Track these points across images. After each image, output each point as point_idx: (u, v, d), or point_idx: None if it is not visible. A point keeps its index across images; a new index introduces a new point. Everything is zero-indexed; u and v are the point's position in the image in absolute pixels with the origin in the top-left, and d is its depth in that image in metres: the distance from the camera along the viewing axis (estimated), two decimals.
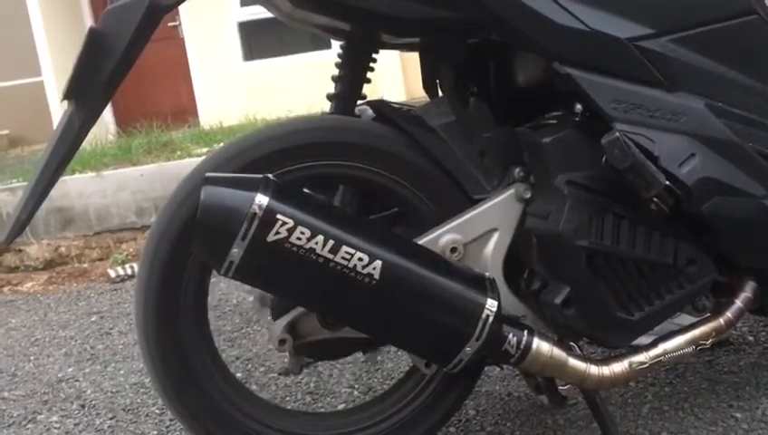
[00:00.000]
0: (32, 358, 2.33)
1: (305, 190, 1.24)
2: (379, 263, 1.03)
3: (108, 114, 8.32)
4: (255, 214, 0.99)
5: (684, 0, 1.15)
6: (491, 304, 1.07)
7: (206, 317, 1.24)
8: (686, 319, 1.28)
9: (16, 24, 7.83)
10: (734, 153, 1.13)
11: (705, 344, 1.20)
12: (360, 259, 1.02)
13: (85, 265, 3.65)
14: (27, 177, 3.96)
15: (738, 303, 1.21)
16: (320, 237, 1.01)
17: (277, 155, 1.17)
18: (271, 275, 1.04)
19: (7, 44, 8.21)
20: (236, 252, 0.99)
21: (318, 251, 1.00)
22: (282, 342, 1.16)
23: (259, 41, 7.81)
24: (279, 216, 0.99)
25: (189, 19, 7.72)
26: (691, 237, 1.17)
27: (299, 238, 1.00)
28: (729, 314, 1.21)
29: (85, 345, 2.38)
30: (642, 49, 1.11)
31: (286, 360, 1.26)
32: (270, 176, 1.05)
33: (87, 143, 5.16)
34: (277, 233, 0.99)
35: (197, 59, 7.88)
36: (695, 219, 1.14)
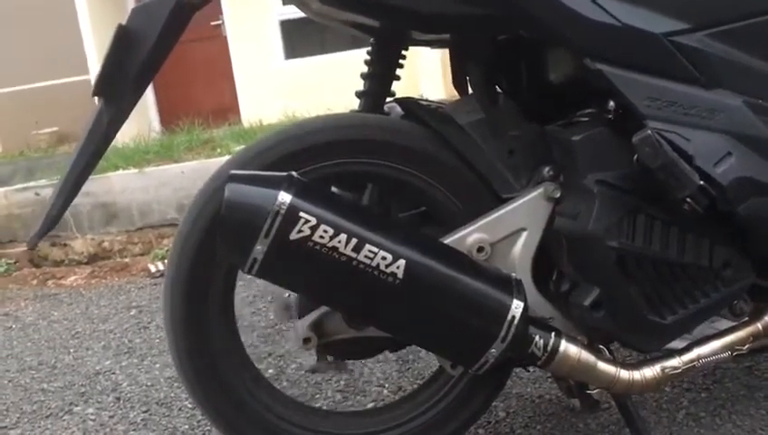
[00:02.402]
0: (71, 350, 2.38)
1: (331, 188, 1.23)
2: (402, 262, 1.01)
3: (152, 112, 8.46)
4: (278, 211, 0.98)
5: None
6: (517, 305, 1.05)
7: (234, 315, 1.25)
8: (723, 323, 1.24)
9: (65, 24, 8.01)
10: None
11: (741, 350, 1.16)
12: (384, 258, 1.01)
13: (127, 260, 3.72)
14: None
15: None
16: (342, 236, 1.00)
17: (303, 153, 1.16)
18: (294, 274, 1.03)
19: (56, 44, 8.41)
20: (260, 249, 0.99)
21: (341, 250, 1.00)
22: (306, 340, 1.15)
23: (301, 39, 7.84)
24: (302, 213, 0.99)
25: (232, 18, 7.79)
26: (727, 239, 1.13)
27: (322, 236, 0.99)
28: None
29: (123, 339, 2.43)
30: (677, 44, 1.08)
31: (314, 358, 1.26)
32: (294, 174, 1.04)
33: (131, 140, 5.28)
34: (300, 231, 0.99)
35: (240, 57, 7.95)
36: (731, 220, 1.10)
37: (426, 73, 6.21)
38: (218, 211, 1.03)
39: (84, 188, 3.66)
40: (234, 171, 1.04)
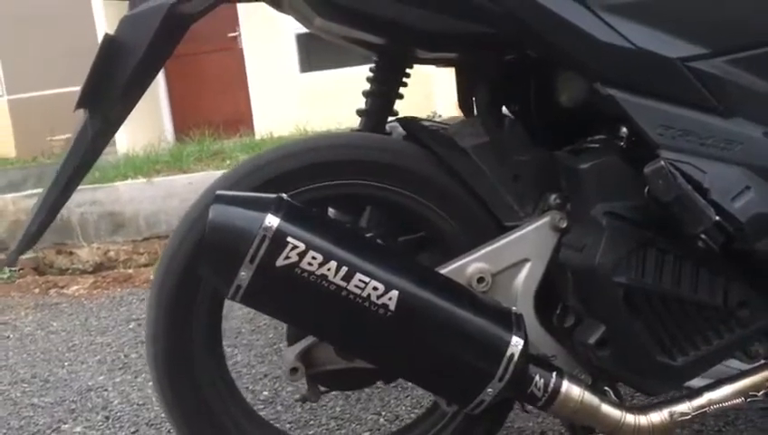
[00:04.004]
0: (66, 364, 2.33)
1: (321, 211, 1.17)
2: (395, 293, 0.95)
3: (166, 122, 8.47)
4: (265, 236, 0.93)
5: (743, 17, 1.05)
6: (516, 342, 0.98)
7: (221, 341, 1.19)
8: (737, 365, 1.17)
9: (81, 31, 8.04)
10: None
11: (756, 396, 1.08)
12: (375, 288, 0.95)
13: (131, 271, 3.68)
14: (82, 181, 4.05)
15: None
16: (332, 263, 0.94)
17: (297, 173, 1.11)
18: (280, 302, 0.97)
19: (72, 51, 8.43)
20: (244, 275, 0.94)
21: (330, 278, 0.94)
22: (293, 370, 1.09)
23: (316, 52, 7.83)
24: (290, 239, 0.93)
25: (248, 30, 7.80)
26: (744, 278, 1.06)
27: (310, 264, 0.94)
28: None
29: (119, 353, 2.38)
30: (694, 70, 1.01)
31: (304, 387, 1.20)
32: (284, 196, 0.99)
33: (141, 150, 5.26)
34: (287, 257, 0.93)
35: (255, 69, 7.95)
36: (748, 258, 1.03)
37: (440, 90, 6.15)
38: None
39: (92, 197, 3.61)
40: (220, 192, 0.99)
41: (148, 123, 7.41)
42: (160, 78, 8.25)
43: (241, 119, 7.79)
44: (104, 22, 7.40)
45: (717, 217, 0.96)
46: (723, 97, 1.02)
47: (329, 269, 0.94)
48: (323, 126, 5.36)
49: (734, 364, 1.18)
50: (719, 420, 1.46)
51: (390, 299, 0.95)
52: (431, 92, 6.05)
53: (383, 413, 1.70)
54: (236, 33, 8.07)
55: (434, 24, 1.04)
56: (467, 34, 1.06)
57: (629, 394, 1.49)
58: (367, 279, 0.95)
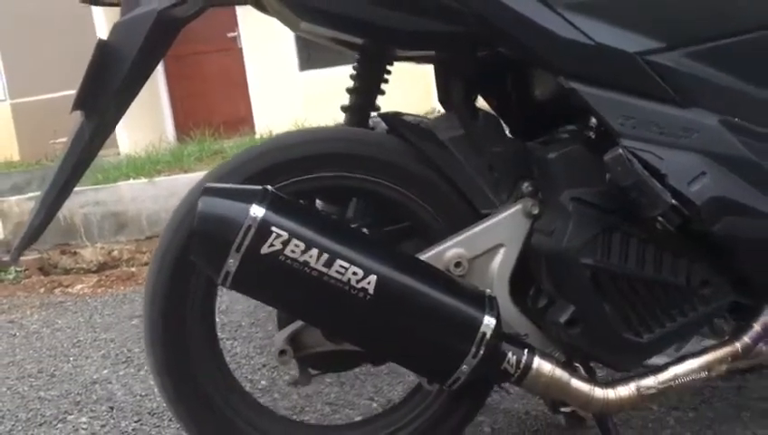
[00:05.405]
0: (71, 359, 2.40)
1: (306, 202, 1.24)
2: (373, 277, 1.02)
3: (168, 122, 8.54)
4: (250, 225, 0.99)
5: (698, 12, 1.11)
6: (488, 322, 1.05)
7: (215, 330, 1.24)
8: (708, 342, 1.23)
9: (83, 34, 8.12)
10: (749, 172, 1.08)
11: (720, 371, 1.15)
12: (355, 273, 1.01)
13: (133, 270, 3.75)
14: (85, 183, 4.13)
15: (756, 327, 1.15)
16: (314, 251, 1.00)
17: (283, 166, 1.17)
18: (267, 288, 1.04)
19: (74, 54, 8.52)
20: (232, 263, 1.00)
21: (312, 264, 1.00)
22: (282, 353, 1.16)
23: (316, 51, 7.88)
24: (274, 228, 1.00)
25: (248, 30, 7.86)
26: (705, 258, 1.12)
27: (293, 251, 1.00)
28: (746, 338, 1.15)
29: (123, 348, 2.45)
30: (652, 63, 1.07)
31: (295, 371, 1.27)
32: (269, 187, 1.05)
33: (142, 150, 5.32)
34: (271, 245, 1.00)
35: (255, 69, 8.02)
36: (708, 240, 1.09)
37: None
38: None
39: (95, 197, 3.69)
40: (208, 184, 1.06)
41: (149, 124, 7.49)
42: (161, 79, 8.33)
43: (241, 118, 7.86)
44: (105, 26, 7.47)
45: (674, 201, 1.03)
46: (679, 88, 1.08)
47: (311, 256, 1.00)
48: (323, 123, 5.41)
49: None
50: (696, 398, 1.52)
51: (369, 283, 1.02)
52: (430, 90, 6.10)
53: (376, 398, 1.76)
54: (236, 34, 8.13)
55: (408, 24, 1.11)
56: (440, 34, 1.12)
57: (611, 374, 1.55)
58: (347, 265, 1.01)
